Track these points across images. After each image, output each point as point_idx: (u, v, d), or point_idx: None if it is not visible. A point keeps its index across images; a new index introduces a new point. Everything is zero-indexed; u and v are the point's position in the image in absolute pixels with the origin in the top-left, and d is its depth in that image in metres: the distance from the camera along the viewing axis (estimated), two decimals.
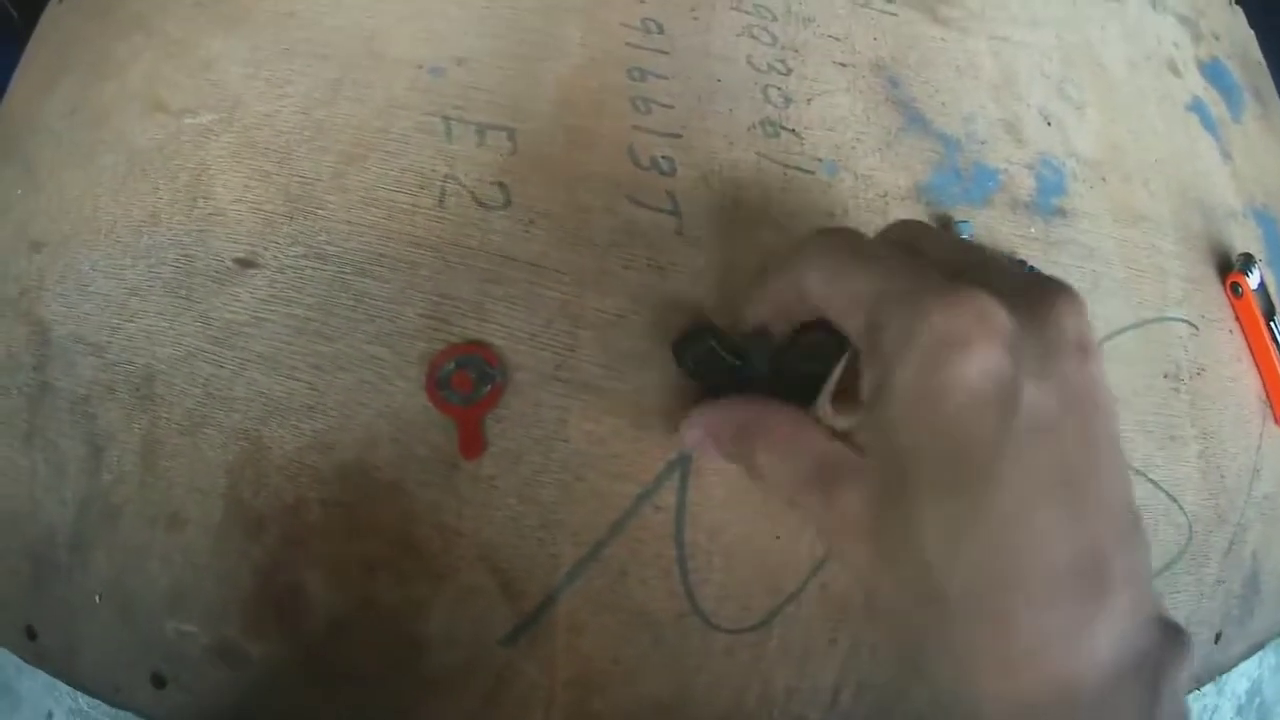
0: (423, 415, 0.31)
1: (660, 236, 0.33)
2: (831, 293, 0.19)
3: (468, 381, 0.31)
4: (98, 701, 0.34)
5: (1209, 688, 0.46)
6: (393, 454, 0.31)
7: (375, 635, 0.31)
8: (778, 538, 0.32)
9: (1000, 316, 0.16)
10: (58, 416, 0.35)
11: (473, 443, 0.31)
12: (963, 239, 0.32)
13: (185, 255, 0.34)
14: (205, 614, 0.32)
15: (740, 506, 0.32)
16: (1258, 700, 0.49)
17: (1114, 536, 0.16)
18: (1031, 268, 0.35)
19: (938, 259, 0.19)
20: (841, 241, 0.20)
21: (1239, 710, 0.48)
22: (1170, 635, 0.16)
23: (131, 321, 0.34)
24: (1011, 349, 0.16)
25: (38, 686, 0.36)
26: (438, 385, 0.31)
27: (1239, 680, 0.47)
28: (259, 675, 0.32)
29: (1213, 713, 0.47)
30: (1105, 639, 0.15)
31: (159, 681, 0.33)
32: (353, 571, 0.31)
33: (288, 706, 0.32)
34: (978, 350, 0.15)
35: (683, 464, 0.31)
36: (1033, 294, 0.18)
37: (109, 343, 0.34)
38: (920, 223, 0.21)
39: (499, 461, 0.31)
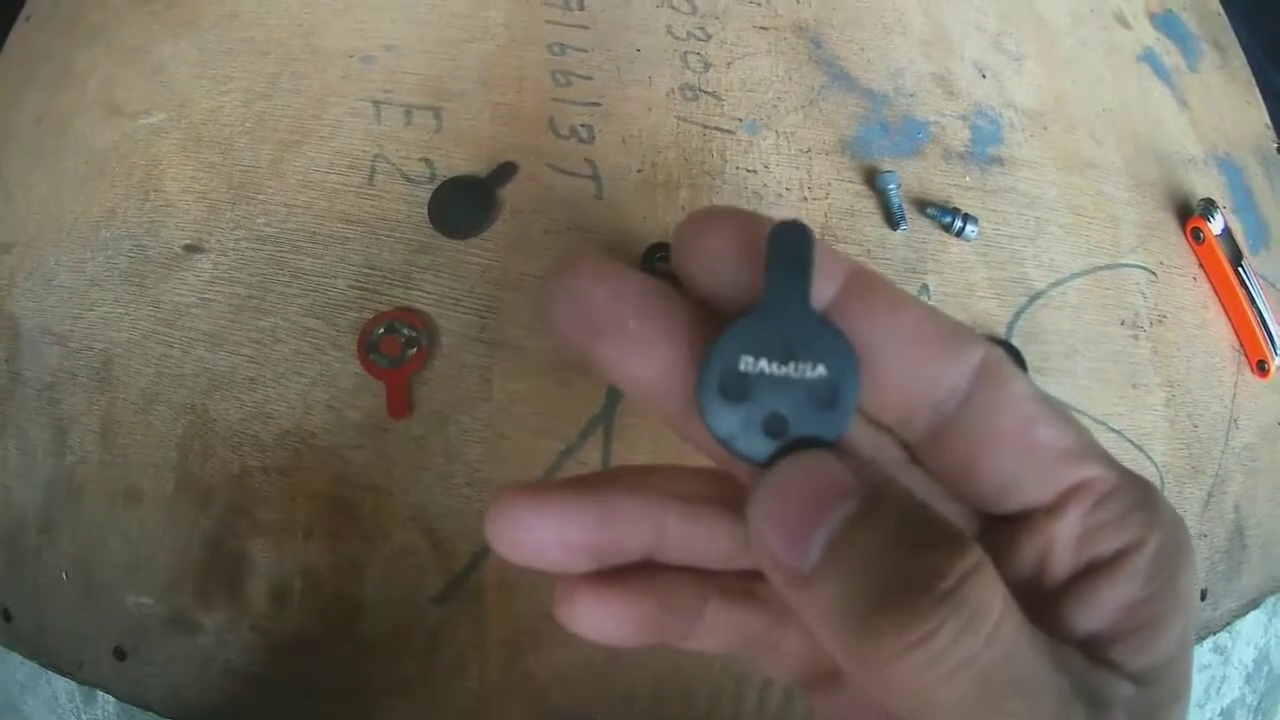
0: (355, 381, 0.32)
1: (580, 200, 0.34)
2: None
3: (395, 345, 0.32)
4: (100, 719, 0.36)
5: (1215, 658, 0.44)
6: (328, 419, 0.32)
7: (314, 600, 0.32)
8: None
9: None
10: (27, 404, 0.37)
11: (400, 403, 0.31)
12: None
13: (139, 245, 0.36)
14: (160, 586, 0.33)
15: (665, 462, 0.32)
16: (1265, 669, 0.46)
17: None
18: None
19: None
20: None
21: (1247, 679, 0.46)
22: None
23: (91, 310, 0.36)
24: None
25: (40, 705, 0.37)
26: (367, 350, 0.32)
27: (1245, 649, 0.45)
28: (212, 645, 0.33)
29: (1221, 683, 0.45)
30: None
31: (120, 654, 0.34)
32: (292, 537, 0.32)
33: (243, 675, 0.32)
34: None
35: (605, 420, 0.32)
36: None
37: (71, 331, 0.36)
38: None
39: (426, 421, 0.32)
